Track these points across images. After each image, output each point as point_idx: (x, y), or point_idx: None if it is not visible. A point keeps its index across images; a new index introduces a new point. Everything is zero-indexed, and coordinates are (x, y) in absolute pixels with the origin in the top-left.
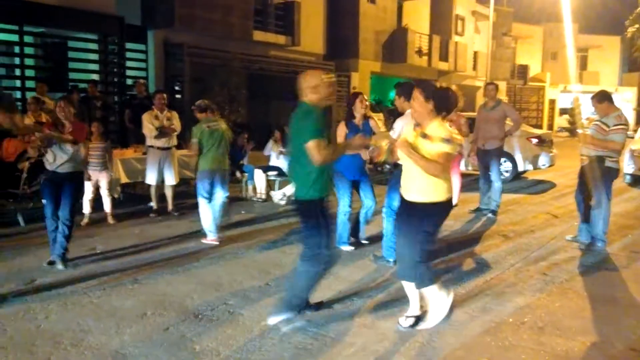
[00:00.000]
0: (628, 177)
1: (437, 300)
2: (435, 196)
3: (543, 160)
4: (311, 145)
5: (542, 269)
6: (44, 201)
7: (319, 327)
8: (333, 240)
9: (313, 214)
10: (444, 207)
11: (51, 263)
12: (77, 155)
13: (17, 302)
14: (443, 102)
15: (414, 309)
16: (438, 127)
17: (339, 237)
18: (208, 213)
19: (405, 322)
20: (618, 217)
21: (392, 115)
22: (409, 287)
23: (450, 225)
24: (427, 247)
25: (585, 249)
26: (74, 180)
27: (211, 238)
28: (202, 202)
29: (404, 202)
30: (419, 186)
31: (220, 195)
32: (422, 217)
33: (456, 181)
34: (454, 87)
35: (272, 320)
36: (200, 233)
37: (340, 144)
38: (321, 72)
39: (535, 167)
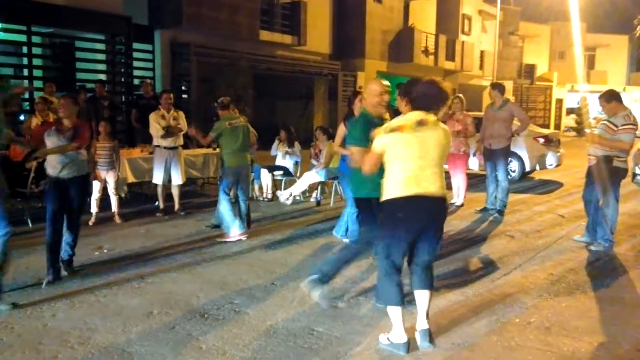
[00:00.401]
0: (637, 177)
1: (393, 325)
2: (383, 194)
3: (550, 160)
4: (349, 149)
5: (549, 269)
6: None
7: (324, 326)
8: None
9: (363, 210)
10: (387, 208)
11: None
12: (78, 159)
13: (24, 301)
14: (411, 95)
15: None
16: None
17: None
18: (228, 209)
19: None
20: (626, 217)
21: (398, 114)
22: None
23: (457, 225)
24: (380, 253)
25: (592, 249)
26: (79, 184)
27: (236, 233)
28: (223, 198)
29: None
30: None
31: (242, 197)
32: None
33: (462, 181)
34: (445, 84)
35: (304, 284)
36: (204, 232)
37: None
38: (375, 81)
39: (543, 167)
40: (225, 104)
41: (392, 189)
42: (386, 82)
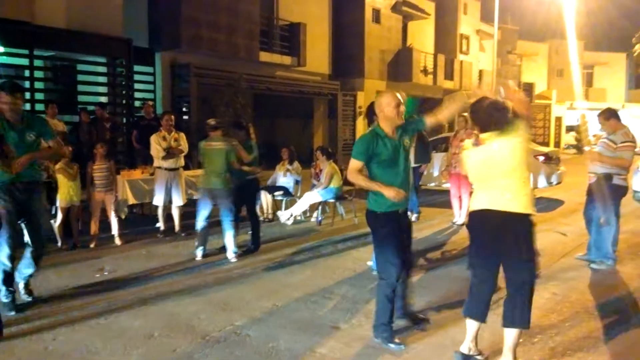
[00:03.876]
0: (637, 194)
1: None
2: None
3: (551, 178)
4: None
5: (552, 288)
6: None
7: (326, 348)
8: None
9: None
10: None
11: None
12: None
13: (25, 324)
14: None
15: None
16: None
17: None
18: (200, 229)
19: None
20: (628, 235)
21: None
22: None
23: (459, 244)
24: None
25: (594, 268)
26: None
27: (197, 254)
28: (199, 214)
29: None
30: None
31: (223, 218)
32: None
33: (465, 200)
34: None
35: None
36: (206, 253)
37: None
38: (389, 93)
39: (543, 185)
40: (212, 126)
41: None
42: (401, 94)
